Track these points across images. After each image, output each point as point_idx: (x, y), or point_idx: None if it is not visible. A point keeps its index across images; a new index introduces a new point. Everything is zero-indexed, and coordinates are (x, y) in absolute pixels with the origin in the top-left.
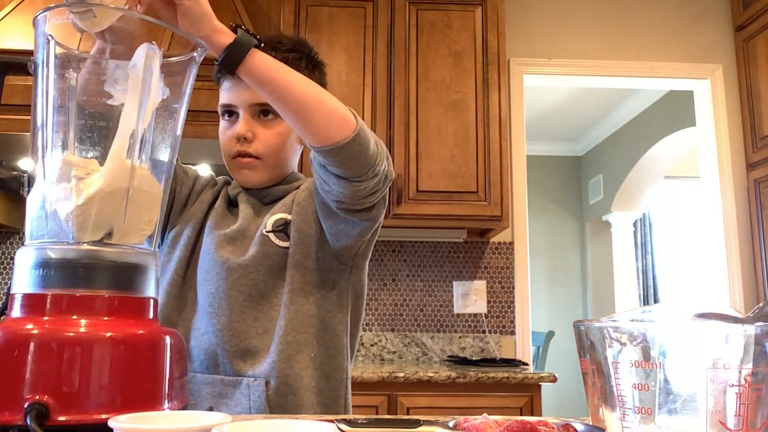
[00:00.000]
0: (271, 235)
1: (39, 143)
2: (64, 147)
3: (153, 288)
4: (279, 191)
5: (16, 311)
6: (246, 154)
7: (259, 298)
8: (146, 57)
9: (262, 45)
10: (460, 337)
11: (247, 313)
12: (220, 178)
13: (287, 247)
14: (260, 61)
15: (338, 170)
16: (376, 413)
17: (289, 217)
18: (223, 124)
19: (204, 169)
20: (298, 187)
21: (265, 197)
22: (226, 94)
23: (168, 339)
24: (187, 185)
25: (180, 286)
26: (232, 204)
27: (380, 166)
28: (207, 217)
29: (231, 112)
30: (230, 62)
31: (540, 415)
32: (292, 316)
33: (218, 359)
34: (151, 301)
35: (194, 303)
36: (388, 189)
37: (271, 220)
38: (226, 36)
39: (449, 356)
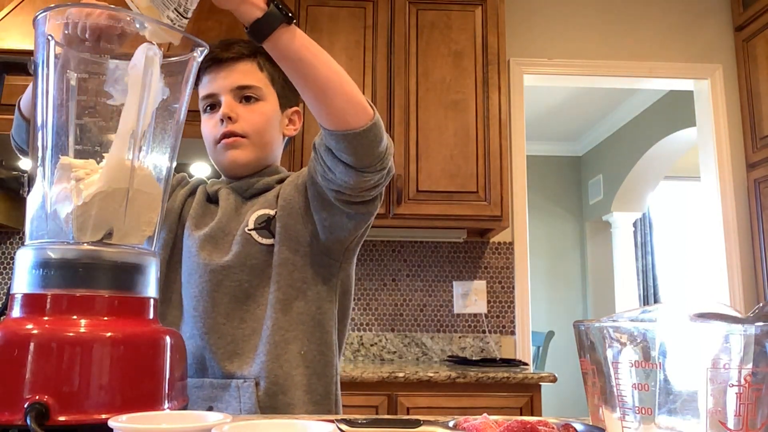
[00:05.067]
0: (254, 233)
1: (39, 143)
2: (64, 147)
3: (153, 288)
4: (261, 184)
5: (16, 311)
6: (231, 133)
7: (245, 298)
8: (146, 57)
9: (295, 21)
10: (460, 337)
11: (232, 315)
12: (194, 179)
13: (271, 245)
14: (288, 37)
15: (348, 158)
16: (376, 413)
17: (272, 212)
18: (205, 117)
19: (203, 169)
20: (280, 181)
21: (246, 190)
22: (206, 86)
23: (168, 339)
24: None
25: (163, 291)
26: (211, 201)
27: (388, 161)
28: (181, 217)
29: (213, 105)
30: (256, 35)
31: (540, 415)
32: (279, 315)
33: (206, 363)
34: (151, 301)
35: (179, 307)
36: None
37: (252, 217)
38: (255, 9)
39: (449, 356)
